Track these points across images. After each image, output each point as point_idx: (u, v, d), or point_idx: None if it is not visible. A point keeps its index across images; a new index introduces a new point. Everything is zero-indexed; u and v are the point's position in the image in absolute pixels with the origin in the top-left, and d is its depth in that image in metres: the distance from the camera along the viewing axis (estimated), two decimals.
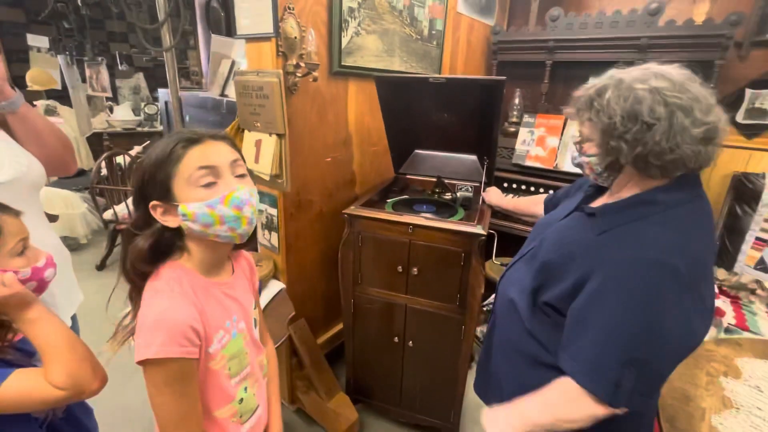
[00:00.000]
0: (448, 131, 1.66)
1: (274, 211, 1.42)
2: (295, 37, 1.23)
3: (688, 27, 1.79)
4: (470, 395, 1.82)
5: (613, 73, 0.74)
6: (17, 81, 3.73)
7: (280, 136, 1.26)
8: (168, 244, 0.66)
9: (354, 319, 1.51)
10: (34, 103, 3.55)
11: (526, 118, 2.16)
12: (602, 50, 2.01)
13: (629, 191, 0.75)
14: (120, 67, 3.17)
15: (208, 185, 0.62)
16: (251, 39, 1.26)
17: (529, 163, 2.12)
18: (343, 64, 1.41)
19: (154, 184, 0.62)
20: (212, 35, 1.70)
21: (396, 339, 1.46)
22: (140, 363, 0.59)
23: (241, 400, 0.74)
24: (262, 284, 1.37)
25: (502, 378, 0.92)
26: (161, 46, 1.32)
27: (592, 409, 0.68)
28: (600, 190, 0.87)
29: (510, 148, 2.21)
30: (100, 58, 2.74)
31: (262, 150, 1.31)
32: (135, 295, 0.68)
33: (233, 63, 1.69)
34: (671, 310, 0.64)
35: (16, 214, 0.69)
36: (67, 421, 0.79)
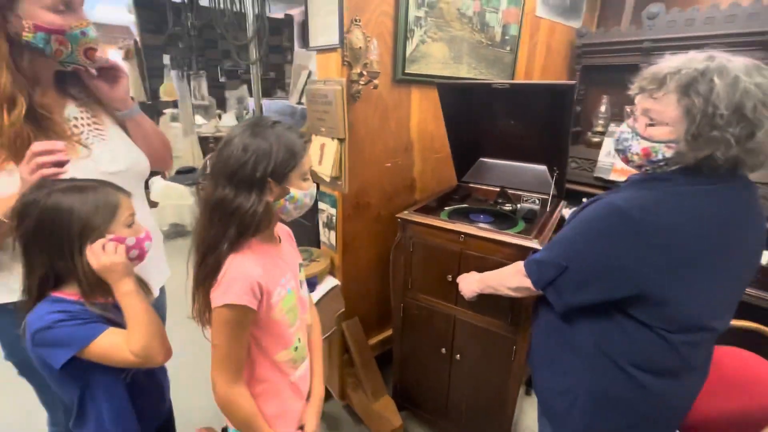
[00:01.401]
0: (515, 139, 1.58)
1: (333, 211, 1.50)
2: (360, 47, 1.29)
3: None
4: (525, 422, 1.70)
5: (710, 56, 0.69)
6: (154, 93, 4.54)
7: (341, 140, 1.34)
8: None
9: (403, 323, 1.52)
10: (163, 111, 4.27)
11: (613, 128, 1.96)
12: (715, 49, 1.73)
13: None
14: (220, 80, 3.64)
15: (305, 180, 0.80)
16: (320, 50, 1.36)
17: (614, 177, 1.92)
18: (406, 71, 1.44)
19: (278, 170, 0.74)
20: (296, 49, 1.87)
21: (443, 350, 1.43)
22: (216, 307, 0.72)
23: (296, 348, 0.87)
24: (318, 279, 1.45)
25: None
26: (249, 60, 1.50)
27: (523, 282, 0.93)
28: None
29: (592, 160, 2.02)
30: (201, 72, 3.19)
31: (325, 153, 1.40)
32: (214, 264, 0.75)
33: (309, 73, 1.84)
34: (601, 241, 0.77)
35: (128, 194, 0.82)
36: (146, 373, 0.93)
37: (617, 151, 0.84)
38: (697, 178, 0.73)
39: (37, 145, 0.72)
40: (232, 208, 0.72)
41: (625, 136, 0.80)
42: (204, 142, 3.93)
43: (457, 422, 1.51)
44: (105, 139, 0.95)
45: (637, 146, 0.77)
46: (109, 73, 0.94)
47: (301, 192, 0.79)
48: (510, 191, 1.62)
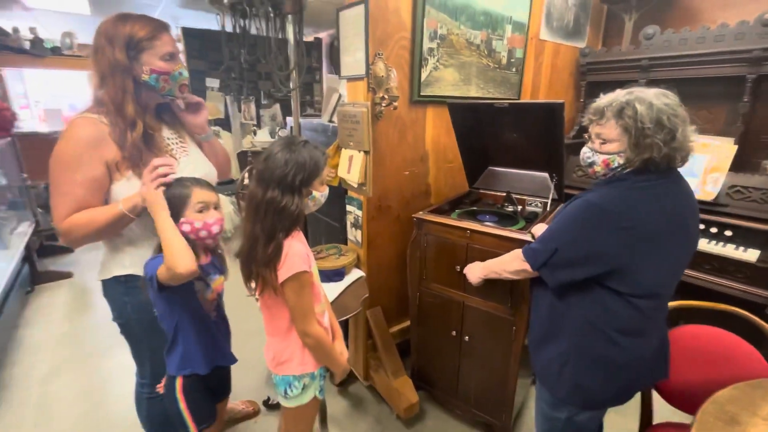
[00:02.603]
0: (519, 150, 1.79)
1: (359, 213, 1.75)
2: (383, 76, 1.56)
3: None
4: (527, 402, 1.86)
5: (630, 91, 0.97)
6: None
7: (366, 152, 1.60)
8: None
9: (419, 310, 1.74)
10: None
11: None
12: (705, 65, 1.89)
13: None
14: (263, 102, 4.05)
15: (322, 184, 1.08)
16: (350, 79, 1.64)
17: None
18: (421, 94, 1.70)
19: (309, 178, 1.01)
20: (325, 74, 2.15)
21: (454, 333, 1.63)
22: (286, 279, 0.98)
23: (322, 303, 1.14)
24: (346, 270, 1.70)
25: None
26: (290, 87, 1.80)
27: (521, 266, 1.13)
28: None
29: None
30: (251, 97, 3.59)
31: (353, 163, 1.66)
32: (276, 248, 1.00)
33: (339, 96, 2.12)
34: (578, 228, 0.99)
35: (209, 187, 1.08)
36: (216, 323, 1.20)
37: (586, 166, 1.08)
38: (644, 175, 0.97)
39: (158, 160, 1.02)
40: (281, 206, 0.99)
41: (588, 155, 1.05)
42: (242, 155, 4.31)
43: (466, 400, 1.70)
44: (188, 154, 1.25)
45: (598, 160, 1.02)
46: (193, 105, 1.25)
47: (320, 193, 1.08)
48: (515, 195, 1.82)
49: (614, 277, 0.98)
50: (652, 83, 2.07)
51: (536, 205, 1.79)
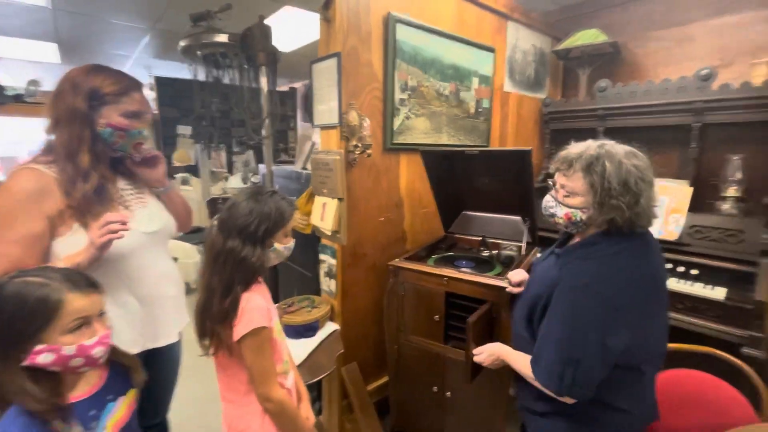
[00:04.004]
0: (492, 194, 1.82)
1: (333, 261, 1.69)
2: (356, 124, 1.57)
3: (746, 89, 1.77)
4: None
5: (601, 144, 0.94)
6: (167, 159, 4.93)
7: (340, 199, 1.57)
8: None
9: (398, 365, 1.64)
10: (175, 175, 4.61)
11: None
12: (654, 115, 2.05)
13: (592, 232, 0.97)
14: (234, 149, 4.03)
15: (287, 236, 1.02)
16: (324, 127, 1.64)
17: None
18: (394, 142, 1.72)
19: (273, 229, 0.96)
20: (299, 120, 2.17)
21: (435, 389, 1.53)
22: (243, 336, 0.89)
23: (285, 362, 1.05)
24: (319, 324, 1.60)
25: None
26: (262, 135, 1.78)
27: (542, 388, 0.94)
28: (569, 237, 1.08)
29: None
30: (222, 145, 3.57)
31: (326, 210, 1.62)
32: (233, 302, 0.92)
33: (313, 144, 2.13)
34: (593, 322, 0.87)
35: (91, 291, 0.77)
36: None
37: (547, 216, 1.04)
38: (613, 238, 0.92)
39: (110, 216, 0.94)
40: (241, 257, 0.92)
41: (550, 204, 1.01)
42: (212, 203, 4.20)
43: None
44: (145, 205, 1.17)
45: (560, 212, 0.98)
46: (150, 160, 1.19)
47: (283, 246, 1.01)
48: (490, 240, 1.82)
49: (625, 353, 0.90)
50: (609, 131, 2.21)
51: (511, 249, 1.79)
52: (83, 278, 0.78)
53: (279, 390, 0.96)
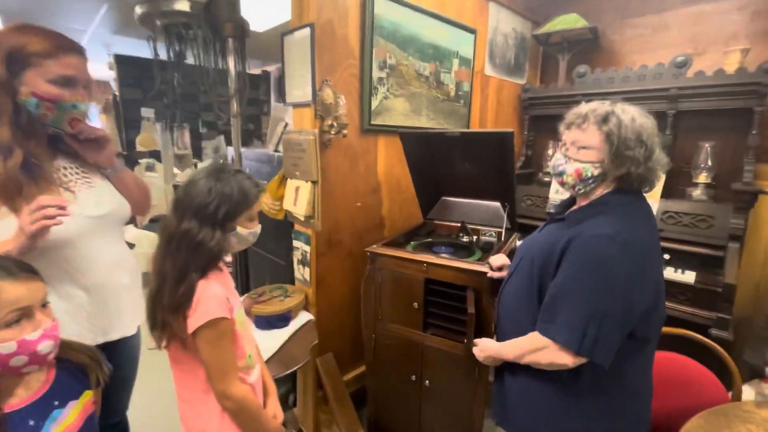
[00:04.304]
0: (472, 180, 1.78)
1: (308, 248, 1.60)
2: (331, 103, 1.48)
3: (720, 77, 1.79)
4: None
5: (613, 102, 0.92)
6: (130, 144, 4.63)
7: (314, 183, 1.48)
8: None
9: (375, 354, 1.58)
10: (139, 160, 4.34)
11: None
12: (632, 102, 2.04)
13: (598, 195, 0.94)
14: (201, 130, 3.82)
15: (251, 220, 0.92)
16: (296, 105, 1.54)
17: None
18: (372, 123, 1.64)
19: (234, 212, 0.86)
20: (273, 102, 2.05)
21: (413, 377, 1.49)
22: (198, 328, 0.80)
23: (249, 356, 0.95)
24: (292, 313, 1.52)
25: (511, 390, 1.04)
26: (230, 114, 1.66)
27: (557, 358, 0.87)
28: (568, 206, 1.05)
29: (544, 198, 2.25)
30: (184, 124, 3.36)
31: (300, 195, 1.53)
32: (187, 290, 0.83)
33: (286, 124, 2.02)
34: (619, 275, 0.82)
35: (29, 278, 0.68)
36: None
37: (555, 175, 0.99)
38: (625, 197, 0.92)
39: (45, 199, 0.81)
40: (197, 240, 0.83)
41: (560, 162, 0.96)
42: (178, 189, 4.00)
43: None
44: (93, 186, 1.04)
45: (570, 168, 0.93)
46: (95, 139, 1.04)
47: (247, 230, 0.91)
48: (470, 225, 1.78)
49: (642, 320, 0.86)
50: None
51: (491, 235, 1.76)
52: (17, 264, 0.68)
53: (239, 386, 0.87)
